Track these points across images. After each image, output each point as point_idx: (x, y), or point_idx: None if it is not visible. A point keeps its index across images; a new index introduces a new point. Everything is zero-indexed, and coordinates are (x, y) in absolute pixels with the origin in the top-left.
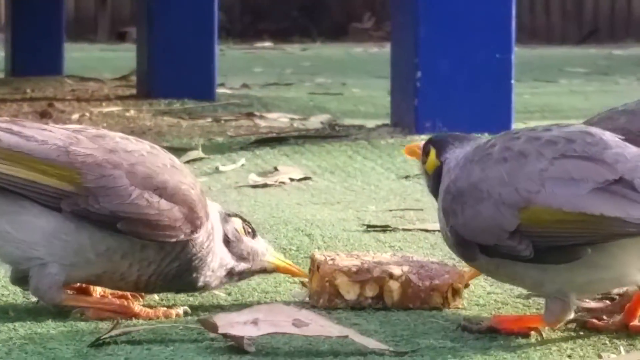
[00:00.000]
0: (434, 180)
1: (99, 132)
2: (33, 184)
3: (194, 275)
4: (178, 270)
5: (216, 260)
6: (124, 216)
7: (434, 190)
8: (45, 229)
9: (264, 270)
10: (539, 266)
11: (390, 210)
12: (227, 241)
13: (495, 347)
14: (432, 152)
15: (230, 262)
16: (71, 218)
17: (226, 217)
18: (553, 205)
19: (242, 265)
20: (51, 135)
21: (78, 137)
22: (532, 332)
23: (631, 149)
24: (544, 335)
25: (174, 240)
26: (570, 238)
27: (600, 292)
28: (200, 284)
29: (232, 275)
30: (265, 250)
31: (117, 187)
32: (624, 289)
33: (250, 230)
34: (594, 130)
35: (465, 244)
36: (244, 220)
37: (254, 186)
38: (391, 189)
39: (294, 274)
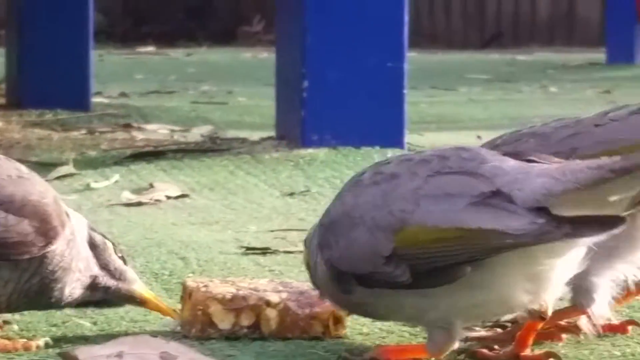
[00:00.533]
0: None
1: None
2: None
3: (59, 286)
4: (40, 286)
5: (80, 265)
6: None
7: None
8: None
9: (131, 299)
10: (419, 292)
11: (272, 231)
12: (93, 245)
13: None
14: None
15: (94, 268)
16: None
17: (91, 231)
18: (429, 222)
19: (107, 280)
20: None
21: None
22: None
23: (510, 162)
24: None
25: (27, 257)
26: (449, 257)
27: (486, 317)
28: (66, 295)
29: (97, 288)
30: (134, 278)
31: None
32: (514, 315)
33: (120, 256)
34: (469, 146)
35: (342, 276)
36: (114, 245)
37: (128, 204)
38: (274, 207)
39: (162, 312)
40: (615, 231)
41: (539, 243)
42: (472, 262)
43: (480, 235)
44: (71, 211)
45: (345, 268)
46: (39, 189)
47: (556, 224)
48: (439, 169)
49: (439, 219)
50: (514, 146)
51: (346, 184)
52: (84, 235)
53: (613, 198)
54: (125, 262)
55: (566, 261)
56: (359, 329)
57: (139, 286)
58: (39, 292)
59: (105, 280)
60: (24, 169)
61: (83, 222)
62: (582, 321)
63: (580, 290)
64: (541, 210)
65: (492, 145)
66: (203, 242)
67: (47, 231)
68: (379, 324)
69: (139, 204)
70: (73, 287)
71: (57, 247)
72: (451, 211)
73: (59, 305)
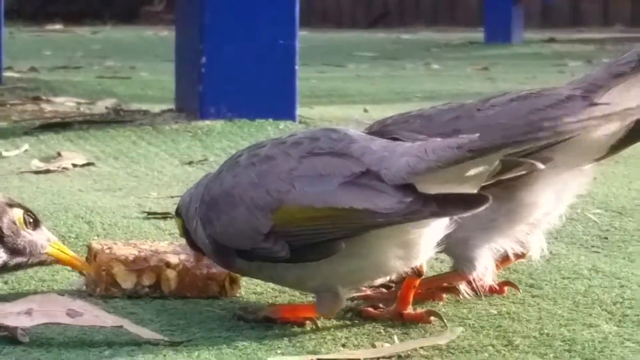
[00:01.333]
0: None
1: None
2: None
3: None
4: None
5: None
6: None
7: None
8: None
9: (43, 263)
10: (298, 264)
11: (172, 197)
12: (2, 238)
13: (271, 336)
14: (178, 221)
15: (2, 256)
16: None
17: (5, 207)
18: (304, 203)
19: (17, 259)
20: None
21: None
22: (308, 321)
23: (377, 141)
24: (319, 324)
25: None
26: (324, 234)
27: (365, 282)
28: None
29: (5, 269)
30: (45, 242)
31: None
32: (390, 277)
33: (32, 220)
34: (338, 127)
35: (224, 250)
36: (26, 211)
37: (37, 172)
38: (174, 175)
39: (75, 267)
40: (479, 209)
41: (408, 221)
42: (346, 238)
43: (352, 214)
44: None
45: (226, 243)
46: None
47: (423, 203)
48: (310, 150)
49: (314, 199)
50: (402, 127)
51: (224, 163)
52: None
53: (472, 173)
54: (37, 224)
55: (433, 229)
56: (253, 288)
57: (50, 248)
58: None
59: (14, 261)
60: None
61: None
62: (462, 285)
63: (462, 260)
64: (408, 187)
65: (383, 125)
66: (107, 207)
67: None
68: (271, 284)
69: (48, 171)
70: None
71: None
72: (324, 192)
73: None
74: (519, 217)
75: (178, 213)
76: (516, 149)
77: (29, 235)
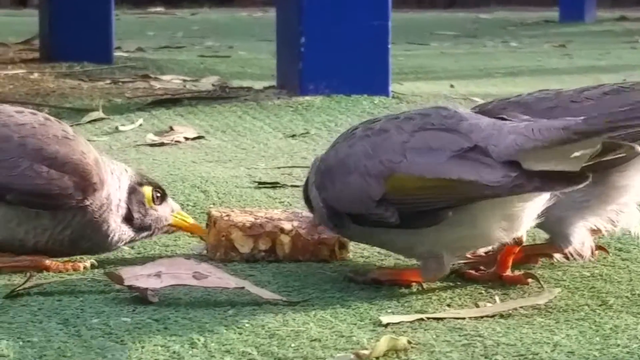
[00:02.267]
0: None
1: None
2: None
3: (90, 243)
4: (72, 237)
5: (114, 231)
6: (14, 188)
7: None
8: None
9: (166, 232)
10: (407, 230)
11: (279, 168)
12: (129, 218)
13: (380, 297)
14: None
15: (130, 234)
16: None
17: (135, 187)
18: (414, 172)
19: (143, 234)
20: None
21: None
22: (414, 283)
23: (484, 119)
24: (425, 285)
25: (65, 207)
26: (432, 202)
27: (469, 250)
28: (96, 250)
29: (131, 242)
30: (169, 215)
31: (6, 160)
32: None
33: (159, 195)
34: (448, 105)
35: (338, 215)
36: (154, 187)
37: (152, 145)
38: (279, 147)
39: (196, 233)
40: (580, 186)
41: (512, 194)
42: (453, 207)
43: (460, 185)
44: (118, 166)
45: (340, 208)
46: (81, 149)
47: (527, 178)
48: (422, 125)
49: (424, 169)
50: (501, 113)
51: (339, 136)
52: (122, 208)
53: (575, 154)
54: (163, 198)
55: (535, 203)
56: (360, 252)
57: (173, 219)
58: (72, 242)
59: (140, 236)
60: (70, 130)
61: (120, 185)
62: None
63: (559, 236)
64: (513, 164)
65: (483, 110)
66: (220, 178)
67: (85, 187)
68: (377, 249)
69: (162, 144)
70: (105, 245)
71: (92, 204)
72: (434, 163)
73: (94, 254)
74: (610, 199)
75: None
76: (618, 133)
77: (155, 213)
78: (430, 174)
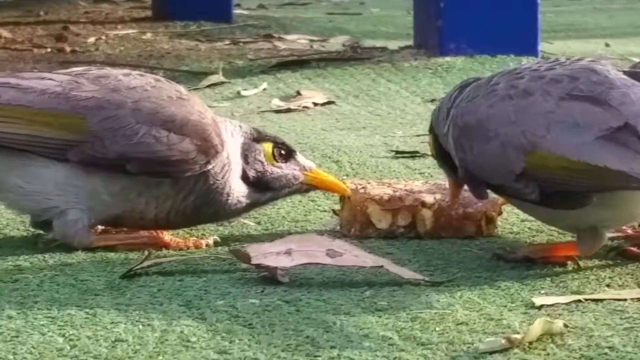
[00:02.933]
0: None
1: (101, 73)
2: (36, 139)
3: (213, 208)
4: (195, 205)
5: (234, 193)
6: (133, 156)
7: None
8: (56, 179)
9: (298, 193)
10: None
11: (418, 136)
12: (245, 176)
13: (533, 276)
14: (431, 137)
15: (251, 195)
16: (81, 165)
17: (251, 144)
18: (558, 152)
19: (267, 195)
20: (50, 83)
21: (79, 80)
22: (569, 261)
23: (636, 88)
24: (582, 264)
25: (188, 174)
26: (576, 185)
27: (616, 227)
28: (221, 216)
29: (257, 205)
30: (299, 172)
31: (123, 127)
32: None
33: (284, 151)
34: (598, 67)
35: (475, 180)
36: (276, 144)
37: (277, 111)
38: (417, 113)
39: (335, 191)
40: None
41: None
42: (597, 192)
43: (606, 173)
44: (232, 123)
45: (477, 174)
46: (198, 109)
47: None
48: (569, 91)
49: (568, 150)
50: None
51: (477, 87)
52: (239, 166)
53: None
54: (290, 155)
55: None
56: (509, 228)
57: (308, 176)
58: (194, 210)
59: (265, 197)
60: (183, 90)
61: (237, 144)
62: None
63: None
64: None
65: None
66: (353, 146)
67: (207, 149)
68: (528, 223)
69: (288, 110)
70: (229, 209)
71: (215, 167)
72: (580, 144)
73: (217, 221)
74: None
75: (430, 127)
76: None
77: (278, 170)
78: (575, 156)
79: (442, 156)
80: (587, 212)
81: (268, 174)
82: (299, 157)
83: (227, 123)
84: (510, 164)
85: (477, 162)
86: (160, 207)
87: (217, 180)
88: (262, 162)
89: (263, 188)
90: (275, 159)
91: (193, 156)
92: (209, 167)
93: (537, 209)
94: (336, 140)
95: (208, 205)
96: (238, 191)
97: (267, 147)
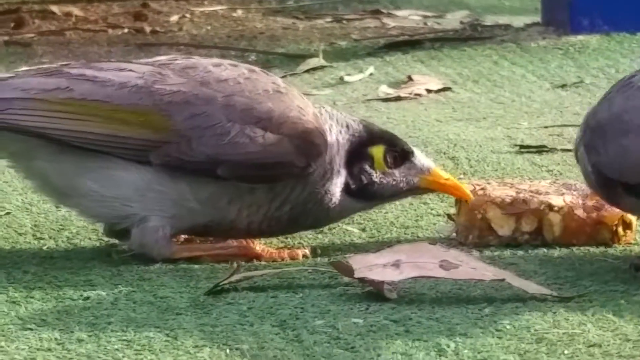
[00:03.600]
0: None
1: (189, 63)
2: (114, 139)
3: (311, 219)
4: (291, 214)
5: (335, 202)
6: (224, 159)
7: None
8: (136, 183)
9: (411, 195)
10: None
11: (546, 127)
12: (349, 189)
13: None
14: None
15: (355, 206)
16: (165, 169)
17: (361, 150)
18: None
19: (374, 203)
20: (131, 75)
21: (163, 72)
22: None
23: None
24: None
25: (286, 177)
26: None
27: None
28: (320, 225)
29: (361, 210)
30: (414, 176)
31: (213, 126)
32: None
33: (396, 154)
34: None
35: (609, 183)
36: (390, 147)
37: (386, 99)
38: (545, 100)
39: (455, 194)
40: None
41: None
42: None
43: None
44: (339, 118)
45: (613, 176)
46: (297, 103)
47: None
48: None
49: None
50: None
51: (614, 85)
52: (343, 175)
53: None
54: (407, 154)
55: None
56: None
57: (424, 179)
58: (290, 221)
59: (372, 204)
60: (280, 82)
61: (346, 135)
62: None
63: None
64: None
65: None
66: (472, 140)
67: (308, 150)
68: None
69: (398, 98)
70: (331, 215)
71: (317, 170)
72: None
73: (314, 229)
74: None
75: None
76: None
77: (389, 179)
78: None
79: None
80: None
81: (376, 185)
82: (417, 156)
83: (333, 121)
84: None
85: (613, 161)
86: (253, 216)
87: (317, 187)
88: (369, 173)
89: (369, 198)
90: (387, 166)
91: (292, 158)
92: (309, 170)
93: None
94: (452, 133)
95: (305, 215)
96: (340, 201)
97: (378, 152)
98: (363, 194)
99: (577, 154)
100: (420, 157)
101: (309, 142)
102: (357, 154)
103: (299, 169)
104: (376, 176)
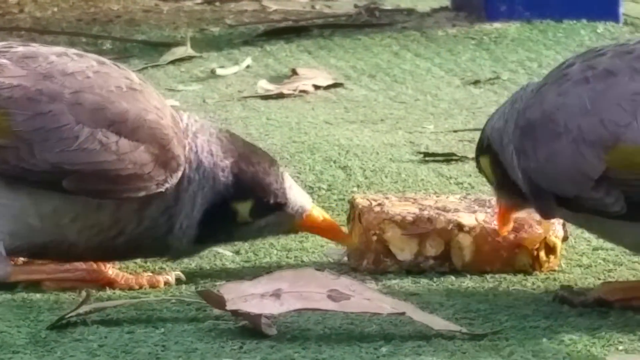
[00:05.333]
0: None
1: (27, 51)
2: None
3: (168, 241)
4: (129, 242)
5: (184, 242)
6: (72, 169)
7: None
8: None
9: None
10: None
11: (456, 132)
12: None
13: (607, 327)
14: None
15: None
16: (2, 178)
17: (221, 201)
18: None
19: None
20: None
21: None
22: None
23: None
24: None
25: (142, 194)
26: None
27: None
28: (172, 254)
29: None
30: (283, 223)
31: (59, 128)
32: None
33: (270, 203)
34: None
35: (540, 193)
36: (259, 201)
37: (265, 97)
38: (455, 99)
39: (335, 239)
40: None
41: None
42: None
43: None
44: (193, 122)
45: (543, 185)
46: (154, 104)
47: None
48: None
49: None
50: None
51: (547, 75)
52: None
53: None
54: (280, 206)
55: None
56: (577, 259)
57: (298, 223)
58: (129, 248)
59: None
60: (134, 77)
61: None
62: None
63: None
64: None
65: None
66: (367, 147)
67: (168, 161)
68: (602, 253)
69: (280, 95)
70: (185, 242)
71: (176, 182)
72: None
73: (182, 255)
74: None
75: (483, 147)
76: None
77: (252, 227)
78: None
79: (506, 180)
80: None
81: (234, 236)
82: (290, 203)
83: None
84: (585, 166)
85: (543, 168)
86: (92, 239)
87: (162, 221)
88: (228, 229)
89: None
90: (251, 216)
91: (149, 170)
92: (169, 184)
93: (622, 230)
94: (344, 138)
95: (144, 249)
96: (187, 243)
97: (244, 207)
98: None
99: (506, 157)
100: (295, 202)
101: (168, 151)
102: (217, 207)
103: (157, 183)
104: (236, 229)
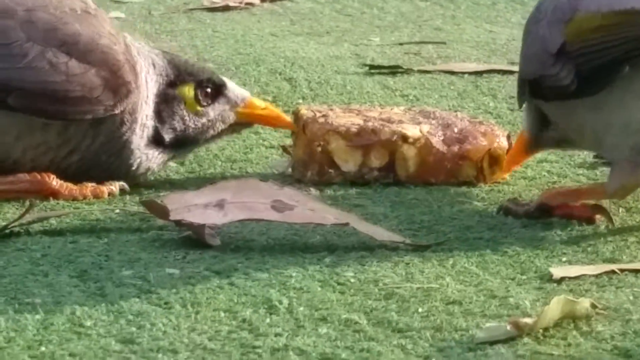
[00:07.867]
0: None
1: None
2: None
3: (106, 173)
4: (80, 165)
5: (136, 160)
6: (18, 86)
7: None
8: None
9: (234, 131)
10: (593, 105)
11: (401, 44)
12: (158, 140)
13: (551, 239)
14: None
15: (163, 158)
16: None
17: (167, 92)
18: (592, 9)
19: (186, 150)
20: None
21: None
22: (599, 217)
23: None
24: (617, 221)
25: (89, 117)
26: (607, 50)
27: None
28: (126, 175)
29: (176, 157)
30: (230, 111)
31: (8, 45)
32: None
33: (209, 89)
34: None
35: (520, 82)
36: (200, 83)
37: (211, 9)
38: (401, 12)
39: (277, 125)
40: None
41: None
42: (630, 60)
43: (633, 18)
44: (143, 58)
45: (522, 74)
46: (109, 30)
47: None
48: None
49: (601, 3)
50: None
51: None
52: (151, 101)
53: None
54: (220, 88)
55: None
56: (522, 171)
57: (242, 111)
58: (81, 171)
59: (187, 150)
60: (90, 2)
61: (154, 74)
62: None
63: None
64: None
65: None
66: (313, 58)
67: (118, 86)
68: (547, 165)
69: (226, 8)
70: (132, 169)
71: (125, 112)
72: None
73: (131, 176)
74: None
75: None
76: None
77: (203, 119)
78: (606, 8)
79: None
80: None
81: (190, 128)
82: (229, 88)
83: (140, 57)
84: (549, 43)
85: (524, 53)
86: (39, 159)
87: (114, 139)
88: (182, 117)
89: (183, 146)
90: (199, 104)
91: (98, 94)
92: (115, 111)
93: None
94: (290, 51)
95: (98, 168)
96: (145, 157)
97: (189, 91)
98: (176, 143)
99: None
100: (233, 88)
101: (119, 77)
102: (165, 97)
103: (105, 108)
104: (190, 119)
